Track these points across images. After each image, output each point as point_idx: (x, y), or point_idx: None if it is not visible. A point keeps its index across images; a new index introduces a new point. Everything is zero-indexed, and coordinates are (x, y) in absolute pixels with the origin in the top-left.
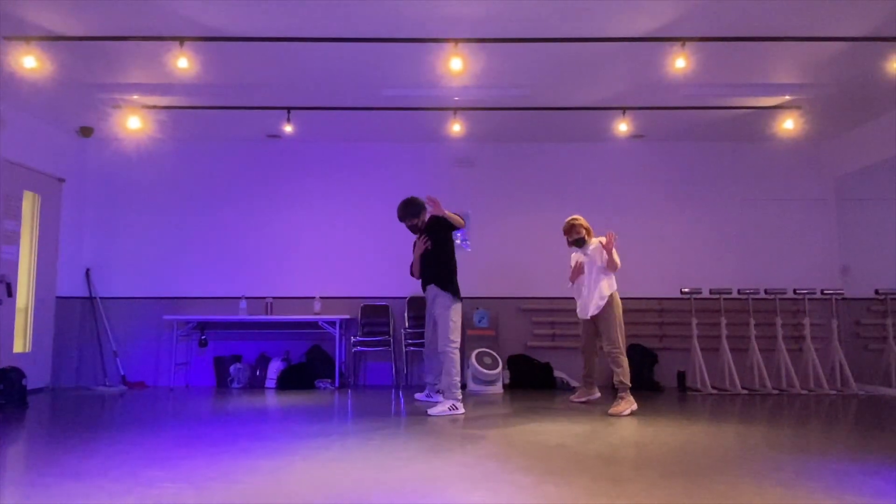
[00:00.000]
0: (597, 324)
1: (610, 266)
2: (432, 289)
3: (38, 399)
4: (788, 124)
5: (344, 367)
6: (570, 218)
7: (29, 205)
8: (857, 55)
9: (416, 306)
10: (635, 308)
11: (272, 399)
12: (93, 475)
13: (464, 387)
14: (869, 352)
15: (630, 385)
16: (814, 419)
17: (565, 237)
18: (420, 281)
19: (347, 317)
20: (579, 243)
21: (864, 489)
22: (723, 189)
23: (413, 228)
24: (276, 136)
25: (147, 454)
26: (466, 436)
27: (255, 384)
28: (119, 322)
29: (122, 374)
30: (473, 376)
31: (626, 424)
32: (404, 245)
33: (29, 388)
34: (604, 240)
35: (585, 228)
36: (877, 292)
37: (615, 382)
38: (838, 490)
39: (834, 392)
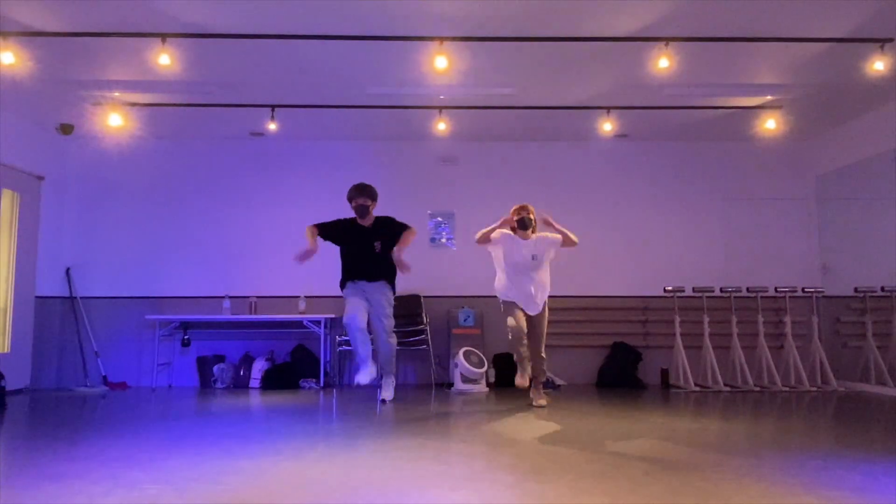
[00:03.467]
0: (533, 321)
1: (569, 242)
2: (383, 284)
3: (17, 400)
4: (770, 124)
5: (329, 366)
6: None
7: (8, 203)
8: (837, 56)
9: (403, 305)
10: (620, 307)
11: (256, 399)
12: (72, 477)
13: (451, 385)
14: (848, 349)
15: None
16: (794, 415)
17: (514, 216)
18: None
19: (332, 316)
20: (526, 224)
21: (843, 484)
22: (706, 188)
23: (364, 212)
24: (261, 133)
25: (128, 455)
26: (451, 435)
27: (239, 384)
28: (100, 322)
29: (104, 374)
30: (461, 375)
31: (611, 422)
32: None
33: (8, 389)
34: (549, 219)
35: (532, 219)
36: (856, 290)
37: (546, 379)
38: (818, 486)
39: (814, 389)
